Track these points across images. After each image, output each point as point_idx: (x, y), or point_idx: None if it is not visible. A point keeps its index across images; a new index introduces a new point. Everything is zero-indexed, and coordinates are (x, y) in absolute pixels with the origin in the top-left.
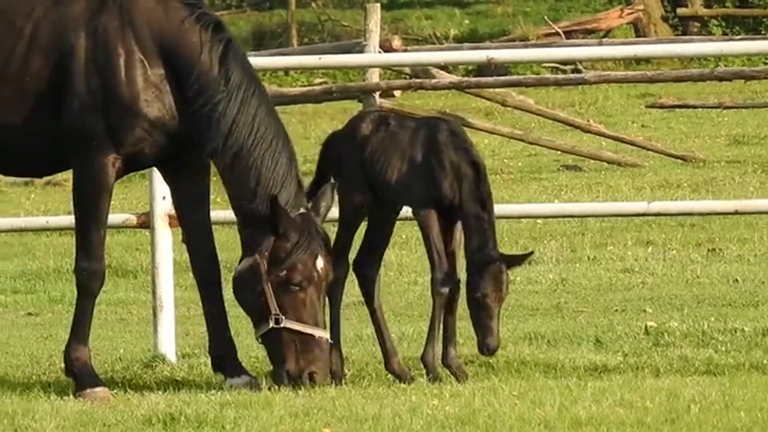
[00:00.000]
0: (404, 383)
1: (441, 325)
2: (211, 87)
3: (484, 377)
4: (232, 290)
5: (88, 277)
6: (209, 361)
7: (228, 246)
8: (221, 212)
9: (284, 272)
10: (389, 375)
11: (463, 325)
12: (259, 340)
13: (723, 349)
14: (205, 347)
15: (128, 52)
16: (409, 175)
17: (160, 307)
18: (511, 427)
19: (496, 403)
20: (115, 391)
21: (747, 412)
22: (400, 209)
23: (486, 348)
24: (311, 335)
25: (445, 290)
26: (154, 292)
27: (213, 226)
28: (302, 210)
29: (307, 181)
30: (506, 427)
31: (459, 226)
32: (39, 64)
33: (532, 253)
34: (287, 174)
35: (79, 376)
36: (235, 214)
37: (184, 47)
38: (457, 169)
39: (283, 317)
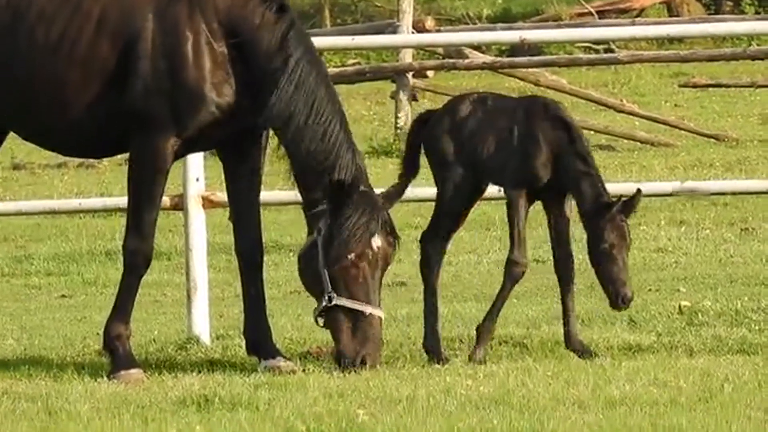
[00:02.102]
0: (439, 364)
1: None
2: (272, 68)
3: (518, 357)
4: (297, 271)
5: (137, 256)
6: (243, 343)
7: (269, 227)
8: (265, 193)
9: (337, 249)
10: (423, 355)
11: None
12: (318, 323)
13: (756, 328)
14: (239, 329)
15: (196, 35)
16: (505, 154)
17: (193, 289)
18: (545, 407)
19: (530, 383)
20: (149, 372)
21: None
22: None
23: (622, 299)
24: (363, 313)
25: (520, 272)
26: (187, 274)
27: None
28: (361, 188)
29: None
30: (540, 407)
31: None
32: (106, 47)
33: (640, 191)
34: (345, 152)
35: (116, 356)
36: (300, 194)
37: (248, 29)
38: (551, 141)
39: (335, 295)
